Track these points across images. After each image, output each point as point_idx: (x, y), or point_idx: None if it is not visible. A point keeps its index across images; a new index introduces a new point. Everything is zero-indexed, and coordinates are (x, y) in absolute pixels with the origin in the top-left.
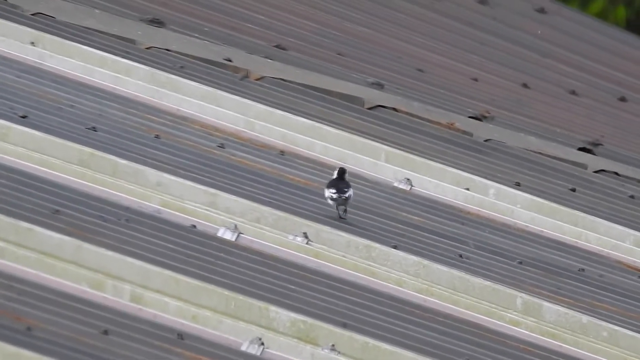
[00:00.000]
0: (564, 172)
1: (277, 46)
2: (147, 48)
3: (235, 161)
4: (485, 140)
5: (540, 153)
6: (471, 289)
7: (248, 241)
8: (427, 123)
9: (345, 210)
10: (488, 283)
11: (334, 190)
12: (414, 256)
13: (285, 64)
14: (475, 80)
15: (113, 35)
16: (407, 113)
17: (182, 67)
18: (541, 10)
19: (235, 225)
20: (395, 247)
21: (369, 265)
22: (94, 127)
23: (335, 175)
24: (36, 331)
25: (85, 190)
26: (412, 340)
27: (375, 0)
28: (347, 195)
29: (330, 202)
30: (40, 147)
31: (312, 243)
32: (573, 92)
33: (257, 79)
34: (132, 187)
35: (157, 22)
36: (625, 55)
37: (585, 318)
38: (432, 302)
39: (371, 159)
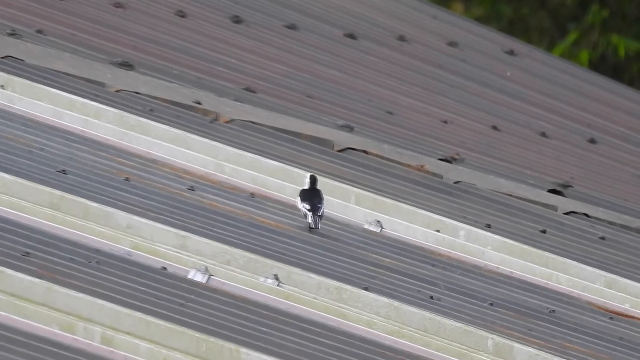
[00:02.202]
0: (535, 214)
1: (246, 89)
2: (116, 91)
3: (206, 204)
4: (455, 183)
5: (510, 195)
6: (442, 331)
7: (219, 283)
8: (397, 165)
9: (317, 221)
10: (459, 324)
11: (308, 207)
12: (385, 298)
13: (254, 106)
14: (445, 122)
15: (82, 78)
16: (377, 155)
17: (151, 110)
18: (510, 52)
19: (206, 268)
20: (366, 289)
21: (340, 307)
22: (63, 170)
23: (306, 185)
24: None
25: (56, 232)
26: None
27: (344, 43)
28: (320, 212)
29: (302, 214)
30: (10, 190)
31: (283, 285)
32: (543, 134)
33: (226, 122)
34: (102, 229)
35: (126, 65)
36: (595, 97)
37: None
38: (403, 343)
39: (341, 201)
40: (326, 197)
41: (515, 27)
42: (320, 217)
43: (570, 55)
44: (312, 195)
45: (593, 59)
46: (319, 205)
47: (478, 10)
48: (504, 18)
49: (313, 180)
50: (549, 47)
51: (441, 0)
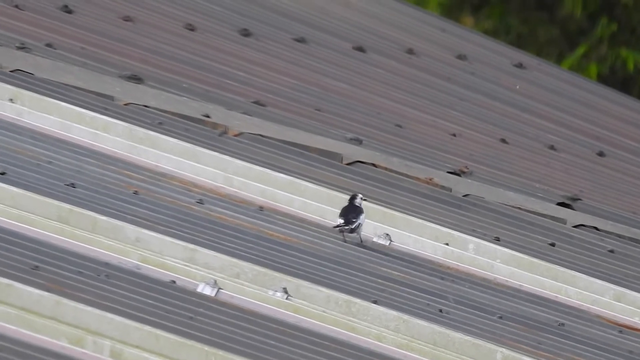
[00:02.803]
0: (543, 227)
1: (255, 102)
2: (125, 104)
3: (214, 217)
4: (464, 196)
5: (519, 208)
6: (451, 344)
7: (228, 296)
8: (406, 178)
9: (358, 238)
10: (468, 338)
11: (341, 220)
12: (394, 311)
13: (263, 120)
14: (454, 135)
15: (91, 92)
16: (385, 168)
17: (160, 123)
18: (519, 65)
19: (215, 281)
20: (375, 302)
21: (349, 320)
22: (72, 184)
23: (347, 202)
24: None
25: (65, 246)
26: None
27: (353, 56)
28: (354, 225)
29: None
30: (18, 204)
31: (292, 298)
32: (552, 147)
33: (235, 135)
34: (111, 242)
35: (135, 79)
36: (603, 110)
37: None
38: (413, 357)
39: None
40: (334, 211)
41: (524, 40)
42: (354, 230)
43: (579, 69)
44: (347, 211)
45: (602, 73)
46: (354, 220)
47: (487, 23)
48: (513, 31)
49: (352, 197)
50: (558, 60)
51: (451, 13)
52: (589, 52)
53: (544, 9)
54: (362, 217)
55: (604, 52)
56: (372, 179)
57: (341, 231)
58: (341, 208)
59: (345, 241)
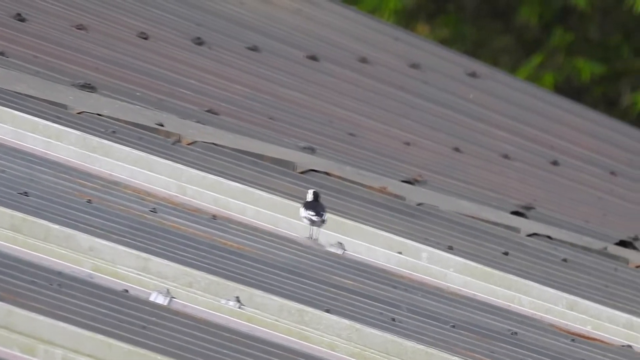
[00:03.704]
0: (497, 236)
1: (209, 111)
2: (78, 113)
3: (168, 225)
4: (418, 204)
5: (472, 217)
6: (404, 353)
7: (180, 305)
8: (360, 187)
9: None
10: (421, 347)
11: (312, 212)
12: (347, 320)
13: (217, 128)
14: (408, 144)
15: (44, 100)
16: (339, 177)
17: (114, 132)
18: (473, 74)
19: (168, 290)
20: (328, 311)
21: (302, 329)
22: (25, 192)
23: (310, 198)
24: None
25: (17, 255)
26: None
27: (306, 64)
28: (324, 217)
29: (305, 222)
30: None
31: (245, 307)
32: (506, 156)
33: (189, 144)
34: (64, 251)
35: (88, 87)
36: (557, 119)
37: None
38: None
39: (304, 223)
40: (287, 219)
41: (479, 49)
42: (324, 222)
43: (535, 78)
44: (315, 205)
45: (558, 82)
46: (322, 212)
47: (443, 31)
48: (468, 40)
49: (316, 195)
50: (514, 70)
51: (406, 21)
52: (544, 61)
53: (500, 18)
54: (326, 214)
55: (559, 62)
56: (325, 187)
57: (312, 223)
58: (305, 203)
59: (311, 237)
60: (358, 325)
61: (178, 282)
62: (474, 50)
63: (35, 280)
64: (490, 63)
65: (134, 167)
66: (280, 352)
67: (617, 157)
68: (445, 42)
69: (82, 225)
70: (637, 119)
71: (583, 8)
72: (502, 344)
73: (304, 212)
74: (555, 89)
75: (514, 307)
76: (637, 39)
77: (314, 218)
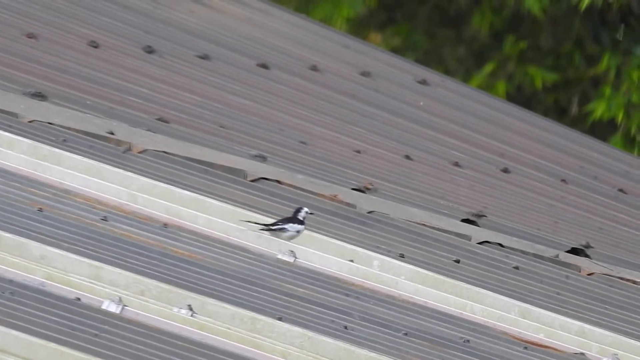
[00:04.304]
0: (448, 244)
1: (159, 119)
2: (29, 121)
3: (119, 234)
4: (369, 212)
5: (424, 225)
6: None
7: (133, 314)
8: (311, 195)
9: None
10: (373, 354)
11: (268, 223)
12: (299, 328)
13: (167, 136)
14: (358, 152)
15: None
16: (290, 185)
17: (64, 140)
18: (423, 82)
19: (120, 298)
20: (280, 319)
21: (254, 337)
22: None
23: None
24: None
25: None
26: None
27: (257, 73)
28: (276, 227)
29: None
30: None
31: (197, 315)
32: (456, 164)
33: (139, 152)
34: (15, 260)
35: (39, 96)
36: (508, 127)
37: None
38: None
39: (255, 232)
40: (239, 227)
41: (431, 58)
42: (273, 230)
43: (487, 87)
44: (285, 219)
45: (509, 90)
46: (279, 224)
47: (394, 40)
48: (419, 48)
49: (296, 210)
50: (466, 78)
51: (358, 29)
52: (496, 70)
53: (451, 27)
54: (291, 225)
55: (511, 70)
56: (276, 195)
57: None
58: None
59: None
60: (310, 333)
61: (130, 290)
62: (426, 59)
63: None
64: (442, 72)
65: (85, 176)
66: None
67: (568, 164)
68: (397, 50)
69: (33, 233)
70: (591, 127)
71: (536, 15)
72: (454, 352)
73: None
74: (507, 97)
75: (466, 314)
76: (588, 47)
77: (263, 227)
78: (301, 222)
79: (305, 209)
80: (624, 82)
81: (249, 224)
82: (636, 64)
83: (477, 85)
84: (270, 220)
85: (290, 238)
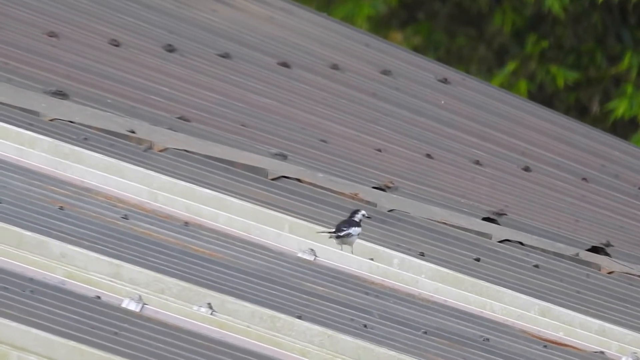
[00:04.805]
0: (468, 242)
1: (180, 118)
2: (50, 120)
3: (139, 232)
4: (389, 211)
5: (444, 223)
6: (376, 359)
7: (152, 312)
8: (331, 193)
9: (349, 249)
10: (393, 353)
11: (333, 230)
12: (319, 326)
13: (188, 135)
14: (379, 150)
15: (16, 107)
16: (310, 184)
17: (85, 138)
18: (444, 81)
19: (140, 296)
20: (299, 318)
21: (274, 335)
22: None
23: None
24: None
25: None
26: None
27: (278, 71)
28: (343, 233)
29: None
30: None
31: (217, 314)
32: (477, 162)
33: (160, 151)
34: (36, 258)
35: (60, 94)
36: (529, 125)
37: None
38: None
39: (275, 230)
40: (259, 226)
41: (452, 57)
42: (341, 237)
43: (509, 85)
44: (343, 223)
45: (531, 89)
46: (344, 228)
47: (416, 39)
48: (441, 47)
49: (353, 212)
50: (488, 77)
51: (379, 28)
52: (518, 69)
53: (472, 26)
54: (354, 229)
55: (533, 69)
56: (297, 194)
57: (332, 237)
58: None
59: (341, 248)
60: (330, 332)
61: (150, 289)
62: (447, 58)
63: (8, 286)
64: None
65: (105, 174)
66: (252, 358)
67: (588, 163)
68: (418, 49)
69: (54, 232)
70: (612, 126)
71: (557, 14)
72: (473, 350)
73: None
74: (529, 95)
75: (486, 313)
76: (610, 46)
77: (332, 235)
78: (359, 225)
79: (363, 212)
80: None
81: (322, 233)
82: None
83: (498, 84)
84: (328, 228)
85: (353, 242)
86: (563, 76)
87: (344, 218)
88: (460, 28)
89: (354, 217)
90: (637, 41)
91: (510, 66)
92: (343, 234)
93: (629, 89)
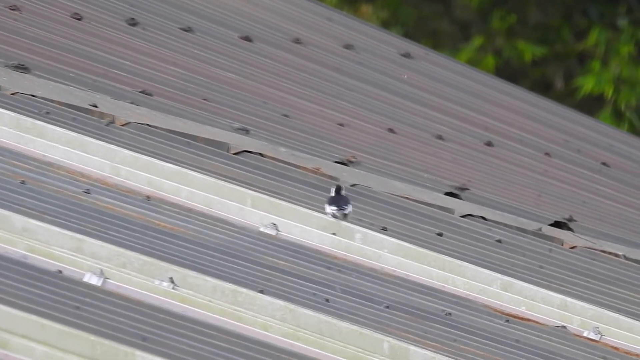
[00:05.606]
0: (431, 217)
1: (142, 92)
2: (12, 94)
3: (102, 206)
4: (352, 185)
5: (406, 198)
6: (338, 334)
7: (114, 286)
8: (294, 168)
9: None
10: (355, 327)
11: (335, 207)
12: (281, 301)
13: (151, 109)
14: (342, 125)
15: None
16: (273, 158)
17: (47, 112)
18: (407, 55)
19: (102, 271)
20: (261, 292)
21: (236, 310)
22: None
23: (333, 193)
24: None
25: None
26: None
27: (241, 45)
28: (347, 211)
29: (330, 218)
30: None
31: (179, 288)
32: (440, 137)
33: (123, 125)
34: None
35: (22, 68)
36: (493, 100)
37: None
38: (299, 346)
39: (237, 204)
40: (221, 200)
41: (419, 31)
42: (346, 215)
43: (476, 61)
44: (338, 199)
45: (499, 65)
46: (345, 206)
47: (383, 13)
48: (409, 22)
49: (339, 188)
50: (455, 52)
51: (348, 2)
52: (485, 44)
53: (440, 1)
54: (349, 205)
55: (500, 44)
56: (259, 168)
57: (336, 218)
58: (329, 198)
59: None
60: (292, 306)
61: (112, 263)
62: (415, 33)
63: None
64: (431, 46)
65: (67, 148)
66: (213, 332)
67: (552, 138)
68: (386, 24)
69: (15, 206)
70: (579, 103)
71: None
72: (436, 325)
73: (328, 209)
74: (496, 71)
75: (448, 287)
76: (576, 21)
77: (337, 213)
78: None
79: (342, 186)
80: (614, 57)
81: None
82: (626, 39)
83: (466, 60)
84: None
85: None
86: (530, 51)
87: (328, 194)
88: (427, 2)
89: (341, 191)
90: (604, 17)
91: (477, 41)
92: (347, 211)
93: (597, 65)
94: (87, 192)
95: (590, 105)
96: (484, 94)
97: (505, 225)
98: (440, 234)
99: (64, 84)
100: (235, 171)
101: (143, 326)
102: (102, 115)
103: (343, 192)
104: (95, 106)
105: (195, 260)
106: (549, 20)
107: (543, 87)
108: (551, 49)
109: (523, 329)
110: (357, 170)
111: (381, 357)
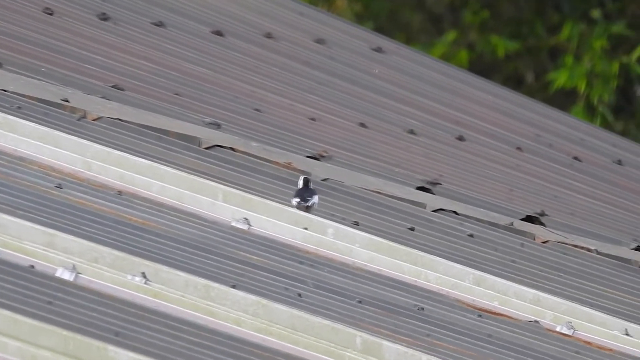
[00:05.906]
0: (403, 211)
1: (114, 86)
2: None
3: (73, 201)
4: (323, 180)
5: (378, 192)
6: (310, 328)
7: (86, 281)
8: (265, 163)
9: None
10: (327, 322)
11: (298, 199)
12: (253, 295)
13: (122, 104)
14: (313, 119)
15: None
16: (244, 153)
17: (19, 107)
18: (378, 50)
19: (74, 265)
20: (234, 287)
21: (208, 304)
22: None
23: (300, 185)
24: None
25: None
26: None
27: (212, 40)
28: (310, 203)
29: (297, 210)
30: None
31: (151, 283)
32: (411, 132)
33: (94, 120)
34: None
35: None
36: (464, 95)
37: (425, 357)
38: (271, 341)
39: (209, 199)
40: (193, 195)
41: (393, 26)
42: (309, 207)
43: (450, 55)
44: (304, 191)
45: (472, 59)
46: (309, 197)
47: (357, 6)
48: (382, 15)
49: (306, 180)
50: (428, 47)
51: None
52: (458, 38)
53: None
54: (316, 197)
55: (473, 39)
56: (231, 163)
57: (300, 209)
58: (296, 190)
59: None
60: (264, 301)
61: (84, 258)
62: (389, 27)
63: None
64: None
65: (39, 143)
66: (186, 327)
67: (523, 132)
68: (359, 17)
69: None
70: (552, 97)
71: None
72: (408, 319)
73: (292, 200)
74: (470, 65)
75: (420, 282)
76: (549, 16)
77: (301, 204)
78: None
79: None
80: (587, 51)
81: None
82: (599, 33)
83: (440, 54)
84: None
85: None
86: (504, 46)
87: (295, 187)
88: None
89: (309, 184)
90: (576, 11)
91: (450, 36)
92: (310, 204)
93: (569, 59)
94: (59, 187)
95: (563, 100)
96: (455, 89)
97: (477, 219)
98: (412, 229)
99: (36, 78)
100: (206, 165)
101: (115, 321)
102: (73, 109)
103: (311, 185)
104: (67, 101)
105: (167, 255)
106: (521, 15)
107: (515, 82)
108: (524, 44)
109: (496, 323)
110: (328, 165)
111: (354, 352)
